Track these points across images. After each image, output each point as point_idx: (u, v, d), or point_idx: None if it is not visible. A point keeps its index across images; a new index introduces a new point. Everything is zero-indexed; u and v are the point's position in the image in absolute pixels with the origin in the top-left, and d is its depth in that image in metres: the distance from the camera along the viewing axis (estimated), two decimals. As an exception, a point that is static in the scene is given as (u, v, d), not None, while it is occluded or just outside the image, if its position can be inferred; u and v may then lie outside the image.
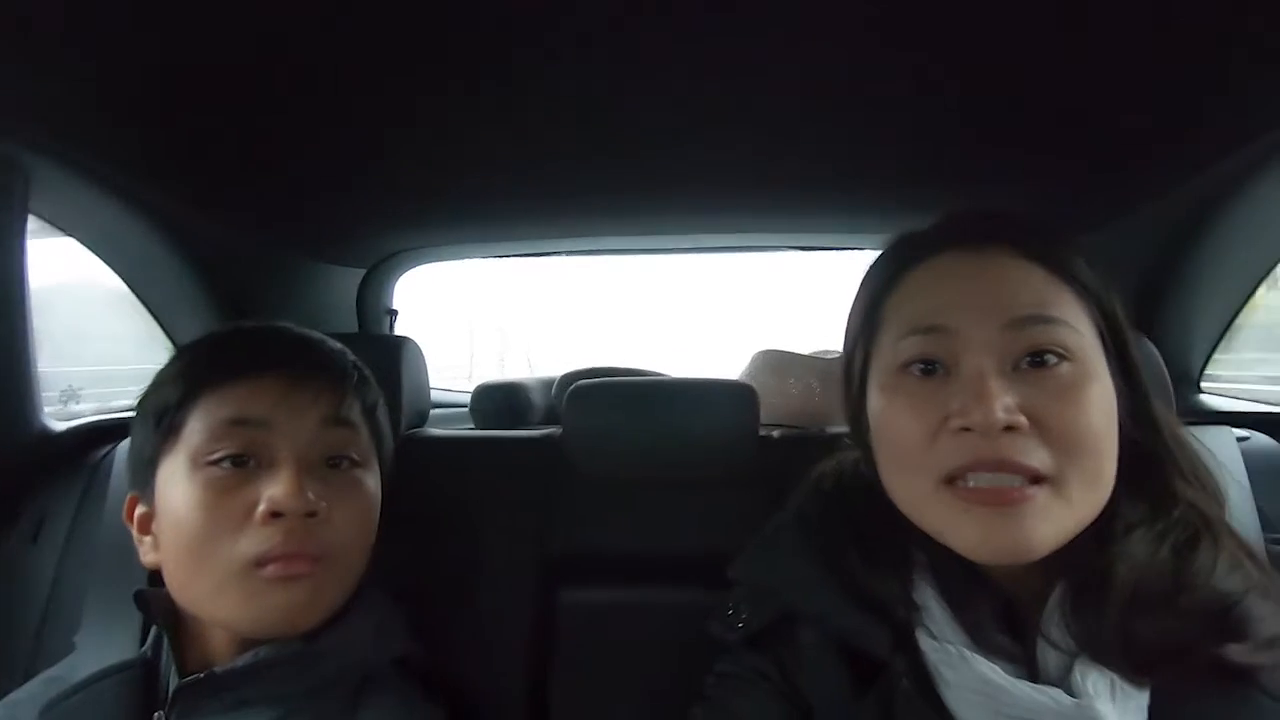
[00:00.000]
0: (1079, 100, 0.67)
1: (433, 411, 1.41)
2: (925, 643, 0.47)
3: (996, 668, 0.44)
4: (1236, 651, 0.42)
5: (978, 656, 0.45)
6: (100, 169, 0.79)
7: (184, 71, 0.61)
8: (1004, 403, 0.43)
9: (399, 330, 1.44)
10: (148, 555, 0.59)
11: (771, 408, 1.06)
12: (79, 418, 0.93)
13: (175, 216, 0.94)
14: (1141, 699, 0.43)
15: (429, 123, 0.73)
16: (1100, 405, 0.46)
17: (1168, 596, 0.44)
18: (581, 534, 0.86)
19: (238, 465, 0.56)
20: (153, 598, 0.60)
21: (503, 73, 0.63)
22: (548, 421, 1.20)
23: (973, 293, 0.48)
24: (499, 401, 1.18)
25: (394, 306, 1.43)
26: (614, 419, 0.85)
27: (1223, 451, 0.65)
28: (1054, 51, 0.59)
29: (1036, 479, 0.44)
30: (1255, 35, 0.55)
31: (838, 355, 1.11)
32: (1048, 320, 0.46)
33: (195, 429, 0.57)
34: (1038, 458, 0.44)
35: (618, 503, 0.86)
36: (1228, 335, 1.05)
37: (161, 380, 0.61)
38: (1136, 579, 0.45)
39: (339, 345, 0.66)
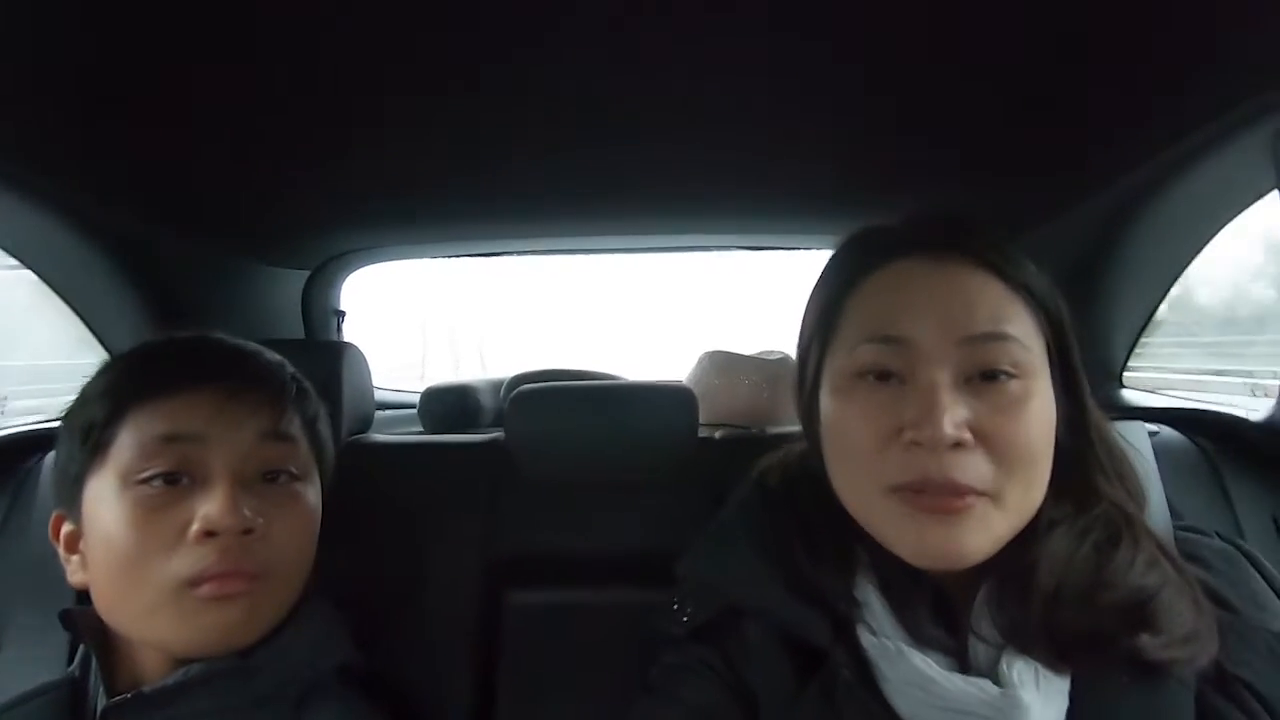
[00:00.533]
0: (1013, 103, 0.69)
1: (382, 413, 1.41)
2: (865, 638, 0.49)
3: (931, 662, 0.46)
4: (1151, 645, 0.45)
5: (913, 652, 0.47)
6: (18, 172, 0.76)
7: (109, 67, 0.59)
8: (954, 419, 0.45)
9: (347, 330, 1.42)
10: (75, 575, 0.58)
11: (717, 407, 1.08)
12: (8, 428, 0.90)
13: (103, 219, 0.91)
14: (1063, 684, 0.45)
15: (371, 120, 0.72)
16: (1041, 418, 0.48)
17: (1088, 591, 0.47)
18: (526, 537, 0.87)
19: (170, 483, 0.55)
20: (79, 616, 0.58)
21: (444, 68, 0.62)
22: (498, 423, 1.20)
23: (931, 304, 0.49)
24: (448, 404, 1.18)
25: (341, 308, 1.40)
26: (556, 423, 0.86)
27: (1137, 445, 0.69)
28: (990, 55, 0.61)
29: (976, 494, 0.46)
30: (1179, 39, 0.58)
31: (783, 356, 1.14)
32: (1003, 338, 0.47)
33: (125, 446, 0.56)
34: (980, 475, 0.46)
35: (562, 505, 0.87)
36: (1146, 331, 1.10)
37: (88, 396, 0.59)
38: (1059, 575, 0.47)
39: (277, 357, 0.65)
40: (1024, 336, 0.48)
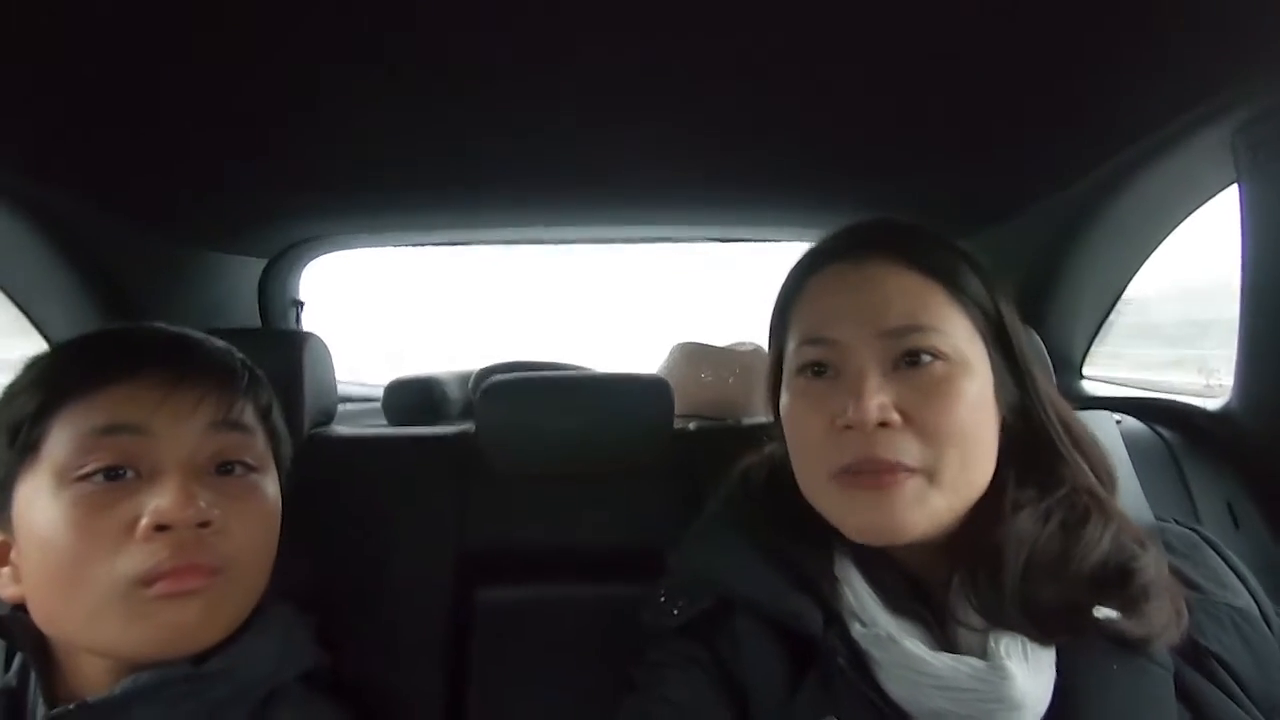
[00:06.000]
0: (977, 103, 0.70)
1: (345, 407, 1.36)
2: (855, 629, 0.50)
3: (919, 644, 0.48)
4: (1127, 620, 0.47)
5: (903, 636, 0.49)
6: None
7: (54, 51, 0.55)
8: (878, 401, 0.49)
9: (306, 322, 1.38)
10: (7, 589, 0.53)
11: (689, 398, 1.07)
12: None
13: (47, 206, 0.86)
14: (1050, 656, 0.48)
15: (329, 105, 0.69)
16: (971, 398, 0.50)
17: (1057, 567, 0.49)
18: (497, 531, 0.85)
19: (111, 479, 0.51)
20: (14, 623, 0.54)
21: (407, 53, 0.60)
22: (466, 416, 1.17)
23: (852, 305, 0.53)
24: (413, 397, 1.15)
25: (300, 298, 1.36)
26: (528, 415, 0.84)
27: (1104, 434, 0.70)
28: (953, 56, 0.61)
29: (907, 470, 0.49)
30: (1138, 40, 0.59)
31: (754, 348, 1.14)
32: (919, 329, 0.51)
33: (58, 442, 0.51)
34: (909, 452, 0.49)
35: (533, 499, 0.86)
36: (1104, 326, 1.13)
37: (14, 391, 0.54)
38: (1027, 554, 0.49)
39: (223, 343, 0.61)
40: (943, 324, 0.51)
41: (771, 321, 0.61)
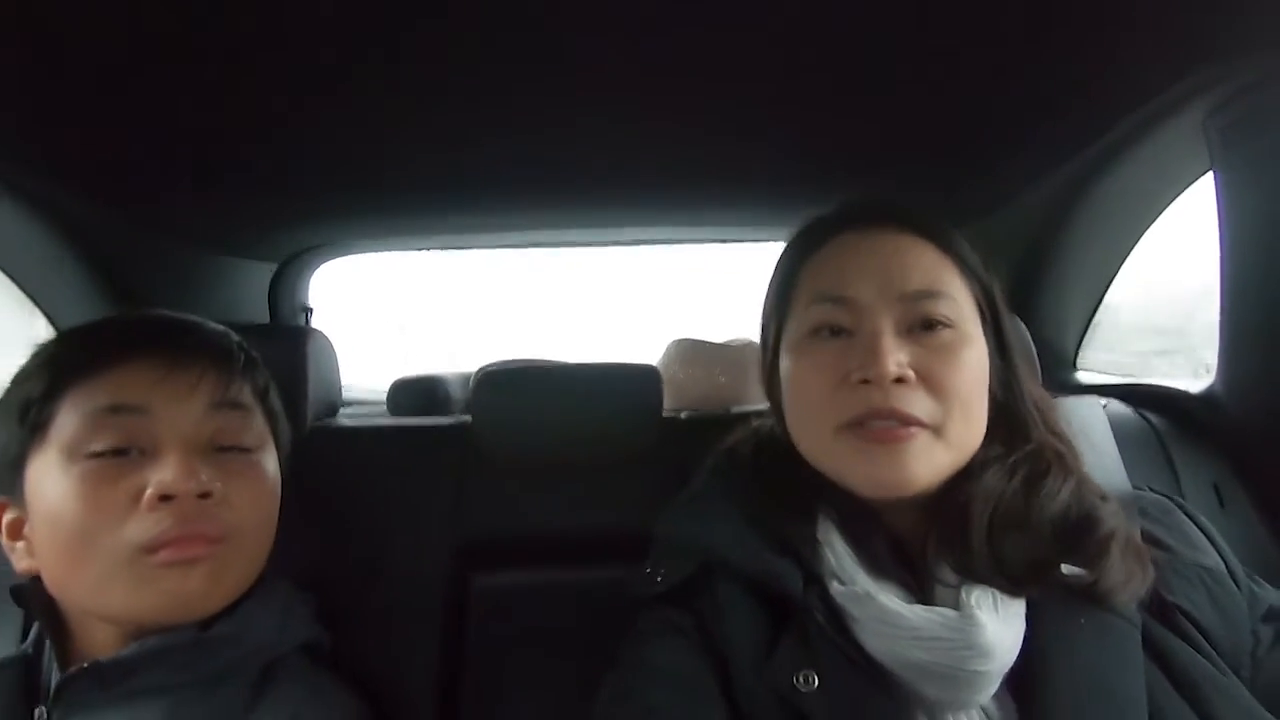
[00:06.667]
0: (949, 100, 0.73)
1: (353, 409, 1.40)
2: (834, 588, 0.52)
3: (894, 598, 0.50)
4: (1094, 575, 0.49)
5: (879, 591, 0.50)
6: None
7: (75, 57, 0.58)
8: (896, 359, 0.51)
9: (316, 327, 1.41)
10: (21, 562, 0.56)
11: (685, 394, 1.09)
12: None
13: (68, 210, 0.90)
14: (1019, 607, 0.50)
15: (339, 114, 0.72)
16: (974, 364, 0.54)
17: (1020, 519, 0.51)
18: (492, 519, 0.87)
19: (118, 455, 0.54)
20: (31, 592, 0.57)
21: (410, 62, 0.62)
22: (467, 414, 1.20)
23: (871, 267, 0.55)
24: (416, 396, 1.18)
25: (309, 303, 1.39)
26: (521, 405, 0.86)
27: (1091, 415, 0.71)
28: (922, 53, 0.64)
29: (920, 424, 0.51)
30: (1100, 28, 0.61)
31: (745, 343, 1.16)
32: (935, 295, 0.54)
33: (67, 422, 0.54)
34: (922, 407, 0.51)
35: (528, 487, 0.88)
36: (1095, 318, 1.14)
37: (24, 373, 0.57)
38: (992, 507, 0.52)
39: (220, 328, 0.63)
40: (955, 294, 0.55)
41: (769, 296, 0.62)
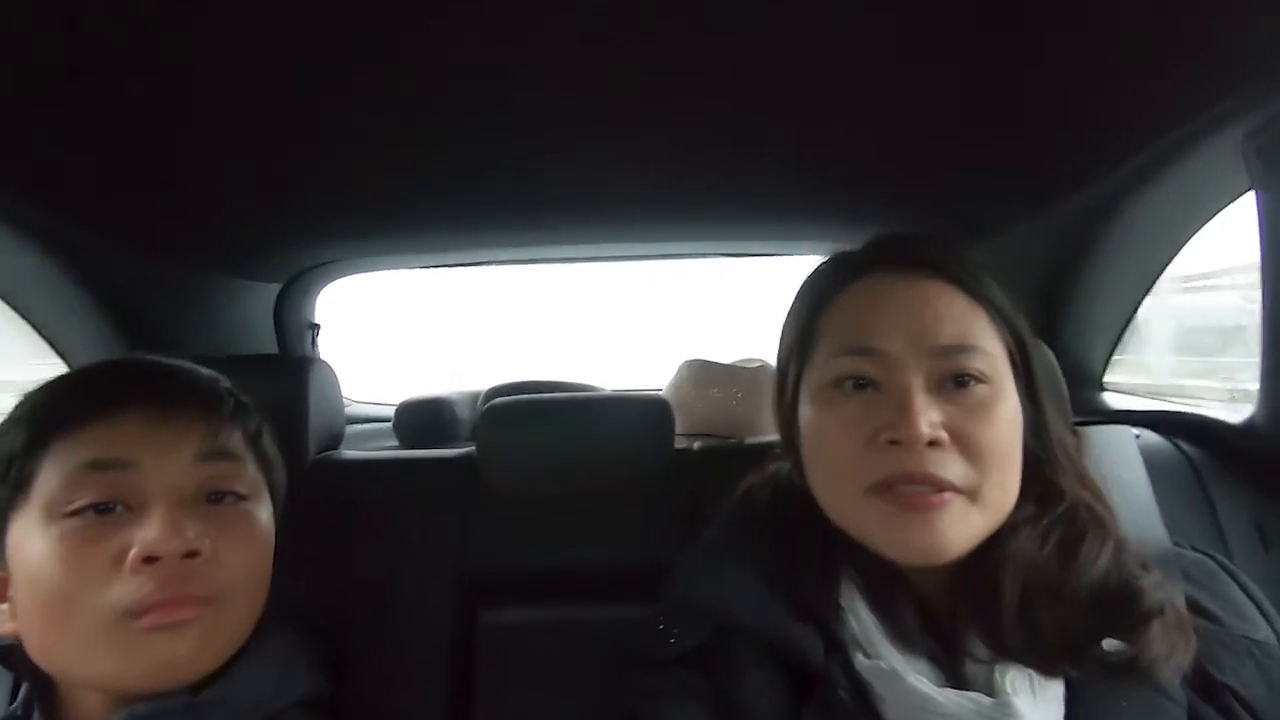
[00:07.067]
0: (987, 109, 0.69)
1: (360, 427, 1.38)
2: (859, 661, 0.49)
3: (924, 679, 0.47)
4: (1135, 649, 0.45)
5: (907, 671, 0.47)
6: None
7: (68, 76, 0.56)
8: (929, 419, 0.47)
9: (323, 344, 1.40)
10: (5, 625, 0.54)
11: (696, 416, 1.07)
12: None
13: (73, 243, 0.88)
14: (1057, 689, 0.46)
15: (340, 132, 0.70)
16: (1009, 421, 0.50)
17: (1055, 588, 0.48)
18: (499, 553, 0.85)
19: (101, 513, 0.51)
20: (18, 652, 0.54)
21: (413, 77, 0.60)
22: (475, 436, 1.18)
23: (902, 317, 0.51)
24: (423, 418, 1.16)
25: (315, 320, 1.38)
26: (528, 437, 0.84)
27: (1122, 450, 0.68)
28: (962, 63, 0.60)
29: (954, 489, 0.47)
30: (1148, 45, 0.58)
31: (761, 364, 1.13)
32: (969, 349, 0.50)
33: (48, 479, 0.52)
34: (956, 471, 0.48)
35: (536, 520, 0.85)
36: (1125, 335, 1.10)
37: (7, 425, 0.55)
38: (1025, 575, 0.48)
39: (209, 372, 0.61)
40: (988, 346, 0.51)
41: (787, 336, 0.59)
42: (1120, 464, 0.67)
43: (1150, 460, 0.68)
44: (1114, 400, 1.11)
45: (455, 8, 0.52)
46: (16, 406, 0.56)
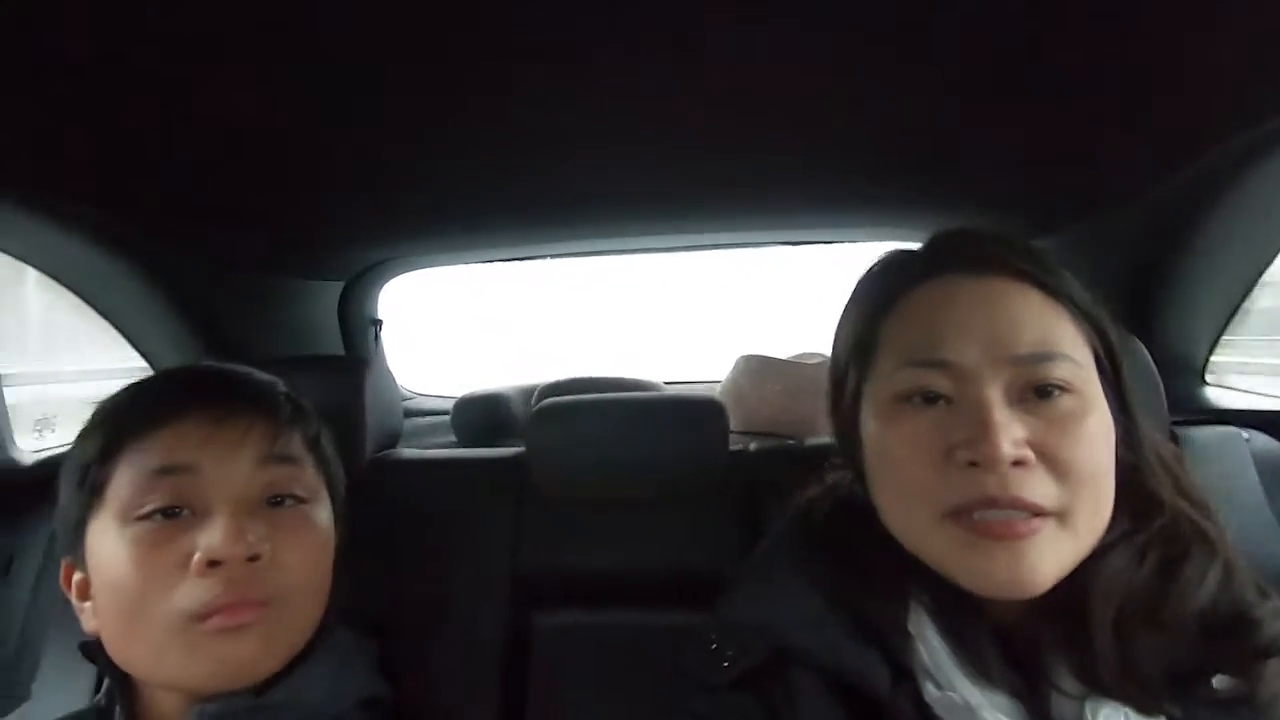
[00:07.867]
0: (1067, 87, 0.63)
1: (420, 420, 1.41)
2: (929, 692, 0.45)
3: (1002, 716, 0.43)
4: (1251, 687, 0.41)
5: (986, 704, 0.43)
6: (57, 205, 0.78)
7: (140, 95, 0.58)
8: (1011, 437, 0.43)
9: (385, 339, 1.44)
10: (89, 623, 0.57)
11: (754, 414, 1.03)
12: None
13: (141, 245, 0.93)
14: None
15: (403, 128, 0.71)
16: (1100, 434, 0.45)
17: (1156, 614, 0.43)
18: (553, 555, 0.84)
19: (169, 517, 0.53)
20: (101, 650, 0.57)
21: (477, 75, 0.60)
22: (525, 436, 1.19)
23: (975, 324, 0.46)
24: (480, 414, 1.17)
25: (378, 316, 1.42)
26: (579, 438, 0.83)
27: (1231, 455, 0.61)
28: (1043, 34, 0.55)
29: (1043, 514, 0.43)
30: (1242, 22, 0.51)
31: (820, 360, 1.08)
32: (1052, 356, 0.45)
33: (121, 484, 0.54)
34: (1044, 493, 0.43)
35: (589, 522, 0.85)
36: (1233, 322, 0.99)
37: (83, 435, 0.58)
38: (1120, 600, 0.44)
39: (268, 377, 0.62)
40: (1074, 351, 0.46)
41: (845, 340, 0.54)
42: (1229, 471, 0.60)
43: (1264, 466, 0.61)
44: (1219, 397, 1.01)
45: (520, 14, 0.51)
46: (92, 415, 0.59)
